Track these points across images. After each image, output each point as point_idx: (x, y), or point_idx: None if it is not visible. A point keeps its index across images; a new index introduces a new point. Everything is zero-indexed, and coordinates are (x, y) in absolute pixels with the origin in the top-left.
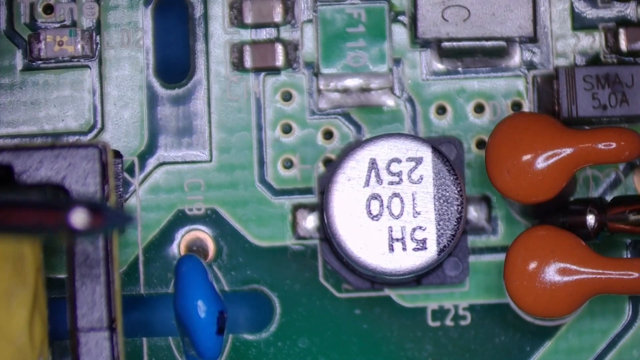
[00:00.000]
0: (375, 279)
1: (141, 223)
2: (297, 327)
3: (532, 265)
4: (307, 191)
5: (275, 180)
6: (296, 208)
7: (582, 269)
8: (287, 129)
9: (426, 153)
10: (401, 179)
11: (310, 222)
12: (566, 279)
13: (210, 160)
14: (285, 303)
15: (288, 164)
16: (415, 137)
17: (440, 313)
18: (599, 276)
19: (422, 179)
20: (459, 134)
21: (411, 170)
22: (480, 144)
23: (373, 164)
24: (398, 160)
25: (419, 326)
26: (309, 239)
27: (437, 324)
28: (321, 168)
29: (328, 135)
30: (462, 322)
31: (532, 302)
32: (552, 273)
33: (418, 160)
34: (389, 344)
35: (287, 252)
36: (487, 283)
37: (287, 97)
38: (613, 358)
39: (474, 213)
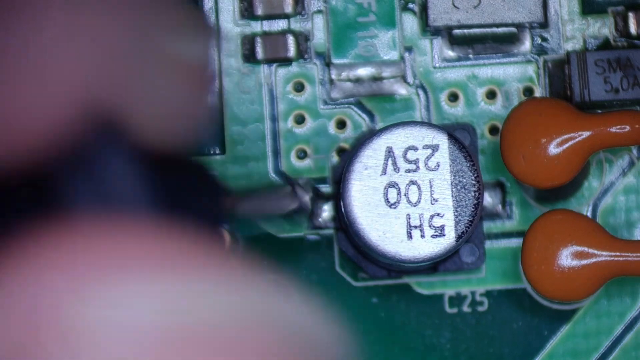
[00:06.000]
0: (392, 267)
1: None
2: None
3: (550, 250)
4: (322, 181)
5: (289, 171)
6: (311, 198)
7: (600, 252)
8: (299, 120)
9: (442, 140)
10: (418, 167)
11: (325, 211)
12: (584, 262)
13: (224, 153)
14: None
15: (302, 155)
16: (431, 124)
17: (457, 300)
18: (617, 259)
19: (438, 166)
20: (472, 121)
21: (428, 158)
22: (493, 130)
23: (390, 152)
24: (414, 148)
25: (437, 313)
26: (325, 228)
27: (455, 310)
28: (335, 158)
29: (341, 124)
30: (480, 308)
31: (551, 286)
32: (570, 257)
33: (434, 148)
34: (407, 331)
35: (302, 242)
36: (503, 268)
37: (299, 87)
38: (631, 340)
39: (489, 199)
